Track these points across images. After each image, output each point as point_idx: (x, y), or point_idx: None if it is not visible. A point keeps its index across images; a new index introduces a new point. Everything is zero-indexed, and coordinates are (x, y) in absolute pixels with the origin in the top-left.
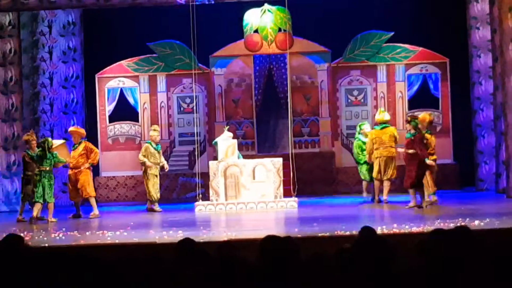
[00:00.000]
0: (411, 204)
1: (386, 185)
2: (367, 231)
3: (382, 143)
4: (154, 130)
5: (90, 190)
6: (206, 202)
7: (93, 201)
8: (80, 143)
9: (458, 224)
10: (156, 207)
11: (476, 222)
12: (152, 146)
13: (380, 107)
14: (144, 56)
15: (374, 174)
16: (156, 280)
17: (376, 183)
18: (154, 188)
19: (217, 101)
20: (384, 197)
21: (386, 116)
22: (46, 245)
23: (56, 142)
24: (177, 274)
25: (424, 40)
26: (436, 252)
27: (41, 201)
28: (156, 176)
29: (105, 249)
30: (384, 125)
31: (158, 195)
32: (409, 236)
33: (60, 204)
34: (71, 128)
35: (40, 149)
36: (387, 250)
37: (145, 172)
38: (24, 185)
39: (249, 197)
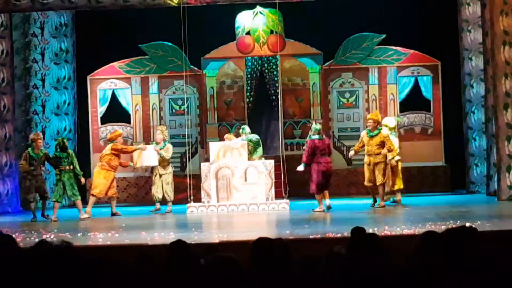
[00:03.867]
0: (318, 209)
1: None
2: (358, 232)
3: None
4: (159, 129)
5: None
6: (197, 204)
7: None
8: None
9: (449, 227)
10: (157, 207)
11: (467, 224)
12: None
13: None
14: (136, 58)
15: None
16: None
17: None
18: (155, 188)
19: (209, 103)
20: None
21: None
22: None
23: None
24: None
25: (416, 43)
26: (428, 253)
27: (60, 200)
28: (155, 176)
29: (97, 250)
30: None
31: (158, 195)
32: (400, 238)
33: (50, 205)
34: (110, 136)
35: (58, 149)
36: (378, 249)
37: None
38: (26, 183)
39: (240, 199)
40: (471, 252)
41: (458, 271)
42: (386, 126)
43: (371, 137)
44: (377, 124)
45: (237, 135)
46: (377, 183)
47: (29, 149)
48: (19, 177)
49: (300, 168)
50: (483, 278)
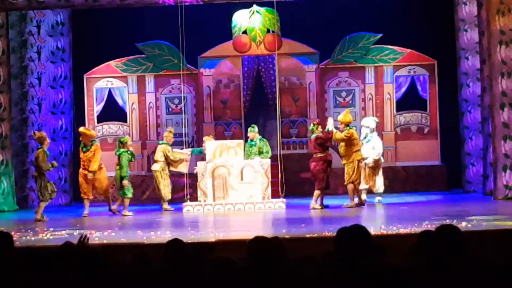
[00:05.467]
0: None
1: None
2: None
3: (359, 145)
4: (170, 131)
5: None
6: (194, 203)
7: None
8: (91, 145)
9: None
10: (167, 205)
11: (463, 223)
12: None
13: (350, 108)
14: (133, 57)
15: (354, 177)
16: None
17: (353, 186)
18: (169, 187)
19: (206, 102)
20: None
21: (352, 118)
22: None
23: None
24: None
25: (412, 42)
26: (425, 252)
27: (130, 195)
28: (169, 176)
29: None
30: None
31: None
32: (396, 237)
33: (48, 204)
34: (81, 129)
35: (118, 147)
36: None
37: (161, 171)
38: (43, 183)
39: (237, 198)
40: (459, 250)
41: (453, 270)
42: (368, 127)
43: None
44: (346, 126)
45: (234, 134)
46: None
47: (43, 148)
48: (22, 176)
49: None
50: (479, 277)
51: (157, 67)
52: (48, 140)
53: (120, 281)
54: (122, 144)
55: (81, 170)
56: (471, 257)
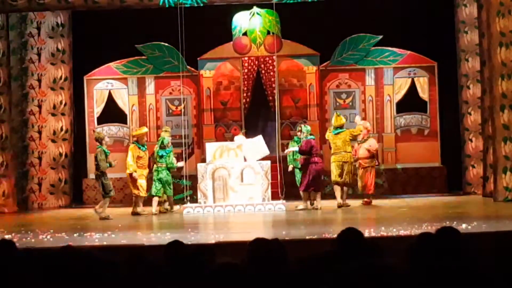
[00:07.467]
0: (303, 206)
1: (343, 188)
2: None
3: (337, 148)
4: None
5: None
6: (194, 205)
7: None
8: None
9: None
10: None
11: (464, 225)
12: None
13: (336, 111)
14: (133, 58)
15: (333, 177)
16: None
17: (336, 186)
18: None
19: (206, 104)
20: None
21: (343, 120)
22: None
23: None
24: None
25: (412, 44)
26: (423, 254)
27: (160, 195)
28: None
29: (93, 251)
30: (339, 130)
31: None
32: (396, 239)
33: (48, 206)
34: (134, 133)
35: (158, 147)
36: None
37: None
38: (105, 181)
39: (237, 200)
40: (458, 252)
41: (452, 271)
42: (366, 128)
43: None
44: (337, 128)
45: (233, 135)
46: None
47: (102, 147)
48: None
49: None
50: (479, 279)
51: (157, 68)
52: (106, 139)
53: (119, 283)
54: (164, 145)
55: (141, 170)
56: (470, 259)
